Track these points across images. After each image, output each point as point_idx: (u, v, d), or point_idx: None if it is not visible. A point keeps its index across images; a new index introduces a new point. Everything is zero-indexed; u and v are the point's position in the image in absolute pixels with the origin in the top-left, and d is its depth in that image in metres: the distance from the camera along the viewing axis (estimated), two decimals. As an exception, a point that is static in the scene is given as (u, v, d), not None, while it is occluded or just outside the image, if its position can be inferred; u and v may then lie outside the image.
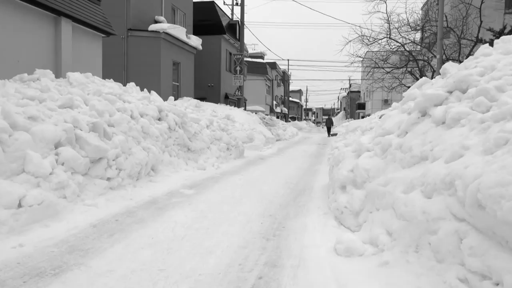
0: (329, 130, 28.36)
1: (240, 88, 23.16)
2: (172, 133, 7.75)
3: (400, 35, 17.67)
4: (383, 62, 18.64)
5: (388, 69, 18.92)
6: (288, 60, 69.22)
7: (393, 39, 17.71)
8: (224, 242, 3.60)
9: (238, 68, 22.56)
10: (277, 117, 38.67)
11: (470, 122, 3.24)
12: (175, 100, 11.83)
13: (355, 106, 54.42)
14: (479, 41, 15.19)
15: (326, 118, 32.60)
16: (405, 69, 18.59)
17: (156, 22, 17.18)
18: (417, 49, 18.66)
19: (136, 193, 5.34)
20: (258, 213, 4.69)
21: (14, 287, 2.56)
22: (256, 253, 3.36)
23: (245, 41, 34.05)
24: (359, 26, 18.59)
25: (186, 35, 18.59)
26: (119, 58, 15.95)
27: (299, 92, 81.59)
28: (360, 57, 18.73)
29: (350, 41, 17.81)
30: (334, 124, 35.84)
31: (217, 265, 3.05)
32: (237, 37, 25.88)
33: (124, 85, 9.27)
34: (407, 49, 18.20)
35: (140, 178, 5.96)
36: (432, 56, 17.36)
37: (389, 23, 17.39)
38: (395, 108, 5.94)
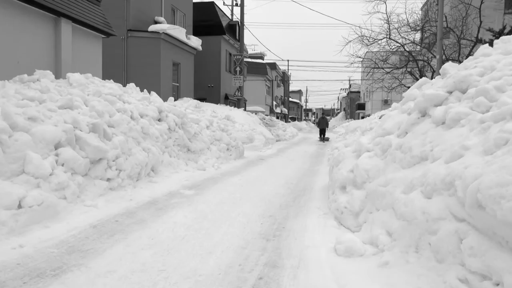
0: (322, 133, 21.75)
1: (240, 89, 23.17)
2: (172, 134, 7.75)
3: (400, 36, 17.66)
4: (383, 63, 18.63)
5: (388, 70, 18.91)
6: (288, 60, 69.05)
7: (393, 40, 17.70)
8: (224, 242, 3.60)
9: (238, 69, 22.57)
10: (277, 118, 38.66)
11: (470, 122, 3.24)
12: (175, 100, 11.84)
13: (355, 106, 54.42)
14: (478, 41, 15.18)
15: (319, 118, 23.41)
16: (405, 69, 18.57)
17: (156, 22, 17.19)
18: (417, 50, 18.65)
19: (136, 194, 5.34)
20: (258, 214, 4.69)
21: (14, 288, 2.56)
22: (256, 253, 3.36)
23: (245, 41, 34.08)
24: (359, 27, 18.66)
25: (186, 36, 18.60)
26: (119, 58, 15.95)
27: (299, 92, 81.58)
28: (360, 57, 18.72)
29: (350, 41, 17.80)
30: (329, 126, 28.61)
31: (217, 266, 3.05)
32: (237, 38, 25.89)
33: (124, 85, 9.27)
34: (407, 49, 18.19)
35: (140, 178, 5.96)
36: (432, 56, 17.35)
37: (388, 24, 17.40)
38: (395, 108, 5.94)
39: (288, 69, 56.04)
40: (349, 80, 62.89)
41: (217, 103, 20.55)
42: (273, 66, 45.10)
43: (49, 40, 8.57)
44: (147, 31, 16.13)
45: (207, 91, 23.47)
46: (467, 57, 12.71)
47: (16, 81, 6.38)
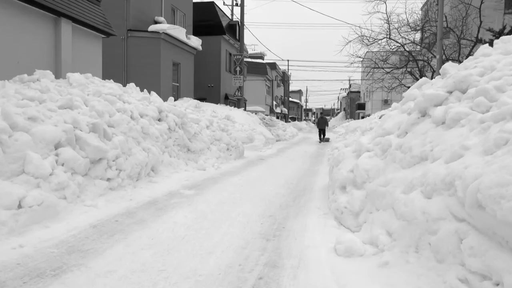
0: (322, 133, 20.76)
1: (240, 89, 23.18)
2: (172, 134, 7.75)
3: (400, 36, 17.67)
4: (383, 63, 18.63)
5: (388, 69, 18.91)
6: (288, 60, 69.16)
7: (393, 40, 17.70)
8: (224, 242, 3.60)
9: (238, 69, 22.58)
10: (277, 118, 38.66)
11: (470, 122, 3.24)
12: (175, 100, 11.84)
13: (355, 106, 54.42)
14: (478, 41, 15.18)
15: (319, 117, 22.19)
16: (405, 69, 18.57)
17: (156, 22, 17.19)
18: (417, 49, 18.66)
19: (136, 194, 5.34)
20: (258, 214, 4.69)
21: (14, 288, 2.56)
22: (256, 253, 3.36)
23: (245, 41, 34.07)
24: (359, 26, 18.66)
25: (186, 36, 18.60)
26: (119, 58, 15.95)
27: (299, 92, 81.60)
28: (360, 57, 18.72)
29: (350, 41, 17.80)
30: (329, 125, 27.85)
31: (217, 266, 3.05)
32: (237, 38, 25.89)
33: (124, 85, 9.27)
34: (407, 49, 18.19)
35: (140, 178, 5.95)
36: (432, 56, 17.35)
37: (388, 24, 17.40)
38: (395, 108, 5.94)
39: (288, 69, 56.09)
40: (349, 80, 62.95)
41: (217, 103, 20.55)
42: (273, 66, 45.11)
43: (49, 40, 8.57)
44: (147, 31, 16.13)
45: (207, 91, 23.47)
46: (467, 57, 12.71)
47: (16, 81, 6.38)
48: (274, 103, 46.53)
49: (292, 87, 68.63)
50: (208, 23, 23.45)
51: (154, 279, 2.77)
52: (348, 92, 64.77)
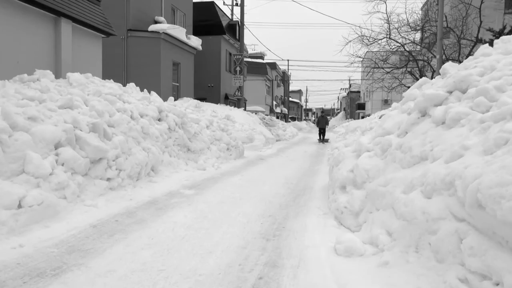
0: (322, 133, 20.44)
1: (240, 89, 23.18)
2: (172, 134, 7.75)
3: (400, 35, 17.68)
4: (383, 62, 18.64)
5: (388, 69, 18.92)
6: (288, 60, 69.25)
7: (393, 39, 17.72)
8: (224, 242, 3.60)
9: (238, 69, 22.58)
10: (277, 117, 38.65)
11: (470, 122, 3.24)
12: (175, 100, 11.85)
13: (355, 106, 54.44)
14: (479, 41, 15.19)
15: (319, 116, 21.78)
16: (405, 69, 18.58)
17: (156, 22, 17.19)
18: (417, 49, 18.67)
19: (136, 194, 5.34)
20: (258, 213, 4.69)
21: (14, 288, 2.56)
22: (256, 253, 3.36)
23: (245, 41, 34.07)
24: (359, 26, 18.68)
25: (186, 36, 18.60)
26: (119, 58, 15.95)
27: (299, 92, 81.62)
28: (360, 57, 18.73)
29: (350, 41, 17.81)
30: (329, 125, 27.59)
31: (217, 265, 3.05)
32: (237, 38, 25.90)
33: (124, 85, 9.27)
34: (407, 49, 18.20)
35: (140, 178, 5.95)
36: (432, 56, 17.36)
37: (389, 23, 17.41)
38: (395, 108, 5.94)
39: (288, 69, 56.09)
40: (349, 80, 63.00)
41: (217, 103, 20.55)
42: (273, 66, 45.10)
43: (49, 40, 8.57)
44: (147, 31, 16.13)
45: (207, 91, 23.47)
46: (467, 57, 12.71)
47: (16, 80, 6.38)
48: (274, 103, 46.52)
49: (292, 87, 68.70)
50: (208, 23, 23.46)
51: (154, 279, 2.77)
52: (348, 92, 64.78)
